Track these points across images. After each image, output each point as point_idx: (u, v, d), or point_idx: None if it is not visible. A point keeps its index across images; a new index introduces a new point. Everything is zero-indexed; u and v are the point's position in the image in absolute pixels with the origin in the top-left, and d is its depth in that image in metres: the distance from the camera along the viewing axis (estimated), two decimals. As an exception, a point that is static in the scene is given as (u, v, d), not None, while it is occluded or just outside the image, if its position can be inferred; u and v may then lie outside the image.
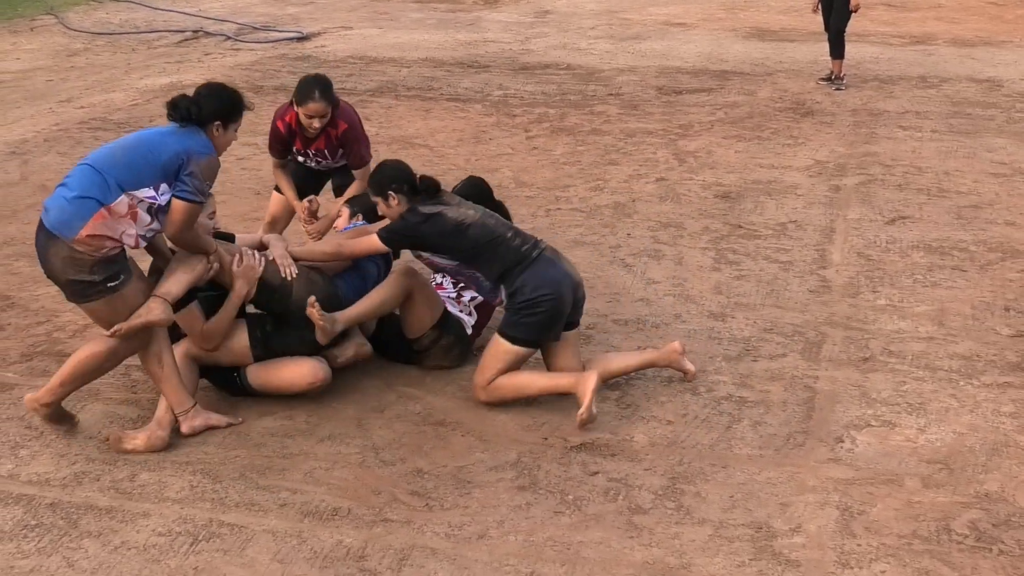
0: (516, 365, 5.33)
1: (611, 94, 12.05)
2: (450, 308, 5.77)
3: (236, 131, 5.17)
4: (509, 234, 5.38)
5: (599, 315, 6.44)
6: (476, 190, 5.92)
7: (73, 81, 12.80)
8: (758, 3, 17.88)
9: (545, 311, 5.25)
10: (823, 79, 12.17)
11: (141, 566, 4.20)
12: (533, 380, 5.36)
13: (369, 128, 10.63)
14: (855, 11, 11.94)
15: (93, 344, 5.02)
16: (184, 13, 16.64)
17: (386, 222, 5.52)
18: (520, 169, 9.21)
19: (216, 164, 5.01)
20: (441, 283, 5.94)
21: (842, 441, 5.10)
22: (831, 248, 7.50)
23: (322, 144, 6.48)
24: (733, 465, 4.91)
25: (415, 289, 5.57)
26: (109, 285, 4.80)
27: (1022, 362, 5.86)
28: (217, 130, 5.03)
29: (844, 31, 12.02)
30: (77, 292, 4.82)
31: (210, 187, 5.01)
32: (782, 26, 15.85)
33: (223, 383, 5.48)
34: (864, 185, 8.85)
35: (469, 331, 5.83)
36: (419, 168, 9.23)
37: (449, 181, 8.87)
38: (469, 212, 5.39)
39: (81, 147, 9.96)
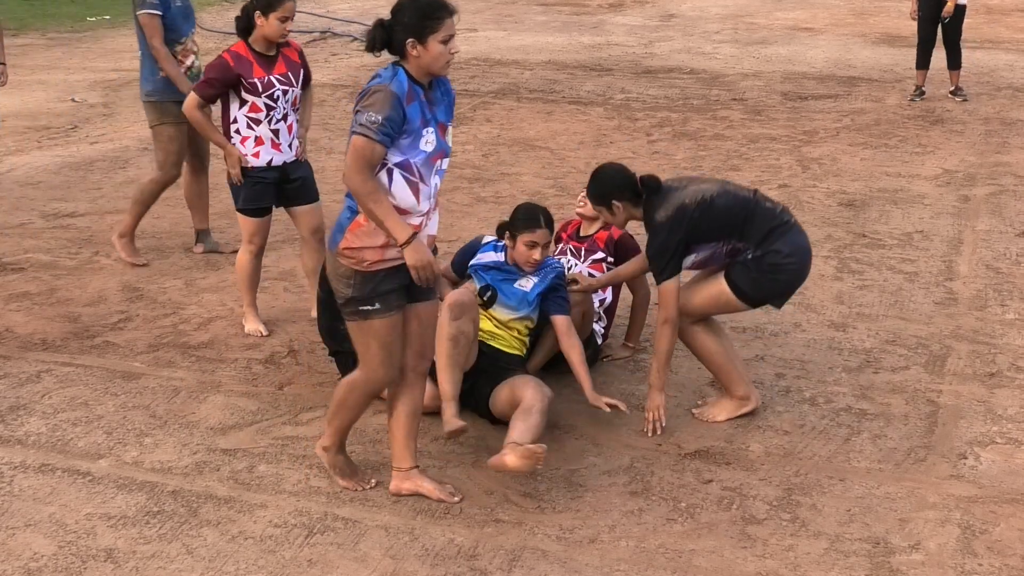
0: (723, 312, 5.27)
1: (735, 99, 11.93)
2: None
3: (444, 41, 4.26)
4: (753, 195, 5.24)
5: (717, 322, 6.37)
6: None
7: (204, 80, 13.12)
8: (888, 8, 17.53)
9: (787, 279, 5.16)
10: (952, 92, 11.80)
11: (257, 556, 4.28)
12: (723, 358, 5.24)
13: (491, 129, 10.74)
14: (946, 18, 11.41)
15: (349, 375, 4.66)
16: (313, 14, 16.94)
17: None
18: (641, 173, 9.15)
19: (384, 94, 4.17)
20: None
21: (965, 458, 4.97)
22: (958, 260, 7.31)
23: (284, 68, 6.10)
24: (851, 478, 4.81)
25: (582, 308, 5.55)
26: (361, 308, 4.34)
27: None
28: (414, 48, 4.22)
29: (960, 41, 11.61)
30: (339, 303, 4.45)
31: (382, 119, 4.12)
32: (913, 31, 15.42)
33: (345, 365, 5.53)
34: (995, 196, 8.61)
35: (600, 340, 5.82)
36: (539, 170, 9.32)
37: (568, 184, 8.90)
38: (704, 186, 5.20)
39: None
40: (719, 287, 5.15)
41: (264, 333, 6.22)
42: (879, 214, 8.22)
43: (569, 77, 13.06)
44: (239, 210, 6.21)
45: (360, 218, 4.25)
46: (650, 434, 5.13)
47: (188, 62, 7.14)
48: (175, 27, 7.06)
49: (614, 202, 5.22)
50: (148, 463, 4.95)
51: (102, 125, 11.13)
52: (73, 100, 12.24)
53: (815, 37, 15.50)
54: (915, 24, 11.82)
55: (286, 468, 4.89)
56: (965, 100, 11.61)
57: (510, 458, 4.50)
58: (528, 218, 5.35)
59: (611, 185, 5.27)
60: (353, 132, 4.16)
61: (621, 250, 5.80)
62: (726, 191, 5.18)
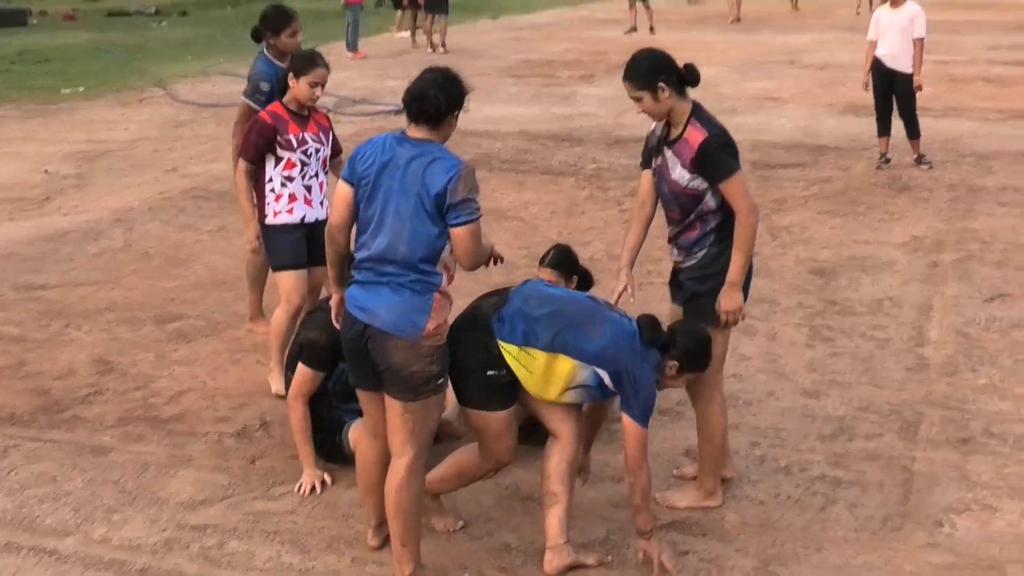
0: (725, 341, 5.05)
1: (705, 168, 12.00)
2: None
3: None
4: None
5: (690, 390, 6.36)
6: (565, 258, 5.82)
7: (179, 151, 13.16)
8: (853, 78, 17.68)
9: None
10: (915, 160, 11.92)
11: (228, 634, 4.21)
12: (720, 443, 5.12)
13: (463, 200, 10.76)
14: (919, 90, 11.69)
15: (397, 478, 4.37)
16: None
17: None
18: (612, 242, 9.20)
19: (474, 173, 4.28)
20: None
21: (941, 525, 4.96)
22: (929, 326, 7.35)
23: (315, 128, 6.32)
24: (828, 548, 4.79)
25: None
26: (441, 380, 4.34)
27: None
28: (455, 121, 4.40)
29: (915, 111, 11.78)
30: (410, 387, 4.27)
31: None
32: (879, 101, 15.71)
33: (320, 444, 5.48)
34: (962, 262, 8.69)
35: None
36: (511, 240, 9.34)
37: (540, 253, 8.92)
38: None
39: (183, 215, 10.21)
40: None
41: (284, 394, 6.23)
42: (849, 281, 8.27)
43: (541, 147, 13.16)
44: (277, 268, 6.33)
45: (437, 294, 4.26)
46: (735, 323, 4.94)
47: None
48: None
49: (661, 84, 4.80)
50: (116, 540, 4.88)
51: (75, 196, 11.12)
52: (46, 171, 12.22)
53: (782, 107, 15.69)
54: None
55: (257, 544, 4.83)
56: (931, 167, 11.74)
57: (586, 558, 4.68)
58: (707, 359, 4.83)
59: (660, 65, 4.85)
60: (471, 220, 4.20)
61: None
62: None
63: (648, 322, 4.60)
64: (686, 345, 4.65)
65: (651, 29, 24.70)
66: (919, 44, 11.46)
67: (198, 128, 14.61)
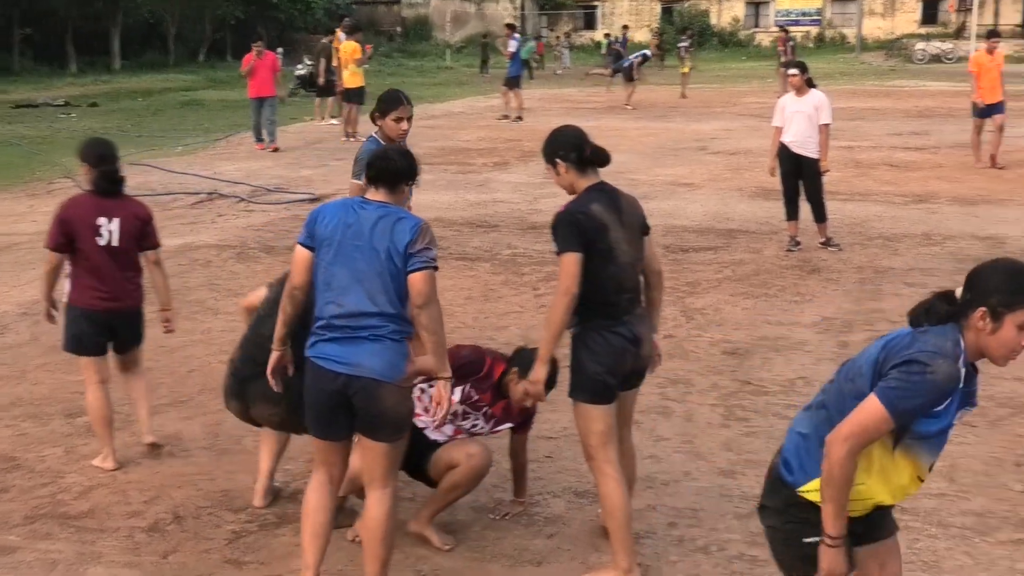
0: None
1: (618, 252, 12.14)
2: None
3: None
4: (627, 272, 5.10)
5: (608, 473, 6.36)
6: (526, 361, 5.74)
7: (88, 243, 12.97)
8: (762, 163, 18.13)
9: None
10: (823, 243, 12.19)
11: None
12: (625, 518, 5.08)
13: (379, 287, 10.75)
14: (826, 172, 12.03)
15: (384, 507, 4.71)
16: (199, 176, 16.95)
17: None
18: (528, 327, 9.24)
19: (430, 228, 4.69)
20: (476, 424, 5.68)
21: (857, 602, 4.99)
22: (841, 404, 7.45)
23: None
24: (746, 627, 4.80)
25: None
26: (410, 419, 4.84)
27: (1038, 519, 5.77)
28: (409, 189, 4.91)
29: (823, 195, 12.11)
30: (397, 427, 4.68)
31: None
32: (786, 185, 16.07)
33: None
34: (871, 341, 8.83)
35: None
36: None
37: (456, 339, 8.93)
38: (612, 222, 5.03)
39: (93, 308, 10.03)
40: (576, 411, 5.10)
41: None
42: (762, 361, 8.38)
43: (456, 234, 13.23)
44: None
45: (407, 340, 4.64)
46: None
47: None
48: None
49: (558, 160, 5.08)
50: (23, 641, 4.73)
51: (-20, 290, 10.90)
52: (-50, 266, 11.99)
53: (694, 192, 15.98)
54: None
55: (170, 641, 4.71)
56: (839, 250, 12.00)
57: None
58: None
59: (559, 142, 5.13)
60: (427, 267, 4.57)
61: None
62: (619, 244, 5.05)
63: (917, 310, 3.89)
64: (981, 286, 3.73)
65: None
66: (825, 130, 11.82)
67: (110, 219, 14.43)
